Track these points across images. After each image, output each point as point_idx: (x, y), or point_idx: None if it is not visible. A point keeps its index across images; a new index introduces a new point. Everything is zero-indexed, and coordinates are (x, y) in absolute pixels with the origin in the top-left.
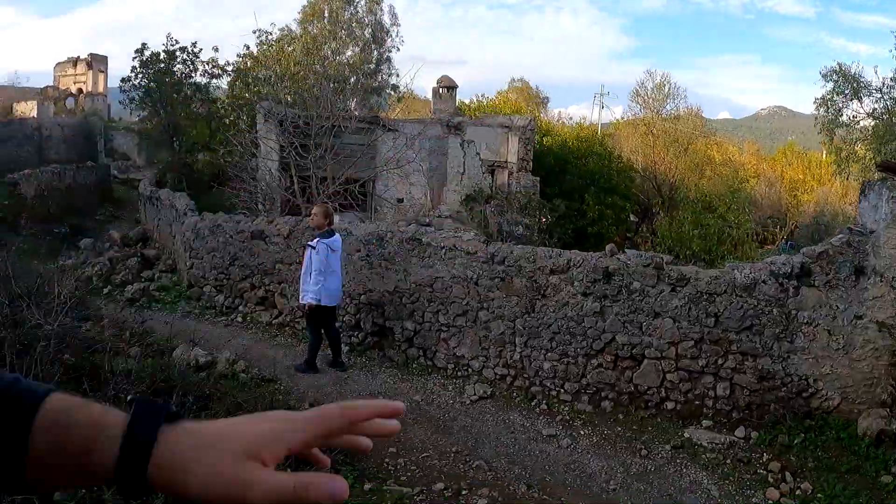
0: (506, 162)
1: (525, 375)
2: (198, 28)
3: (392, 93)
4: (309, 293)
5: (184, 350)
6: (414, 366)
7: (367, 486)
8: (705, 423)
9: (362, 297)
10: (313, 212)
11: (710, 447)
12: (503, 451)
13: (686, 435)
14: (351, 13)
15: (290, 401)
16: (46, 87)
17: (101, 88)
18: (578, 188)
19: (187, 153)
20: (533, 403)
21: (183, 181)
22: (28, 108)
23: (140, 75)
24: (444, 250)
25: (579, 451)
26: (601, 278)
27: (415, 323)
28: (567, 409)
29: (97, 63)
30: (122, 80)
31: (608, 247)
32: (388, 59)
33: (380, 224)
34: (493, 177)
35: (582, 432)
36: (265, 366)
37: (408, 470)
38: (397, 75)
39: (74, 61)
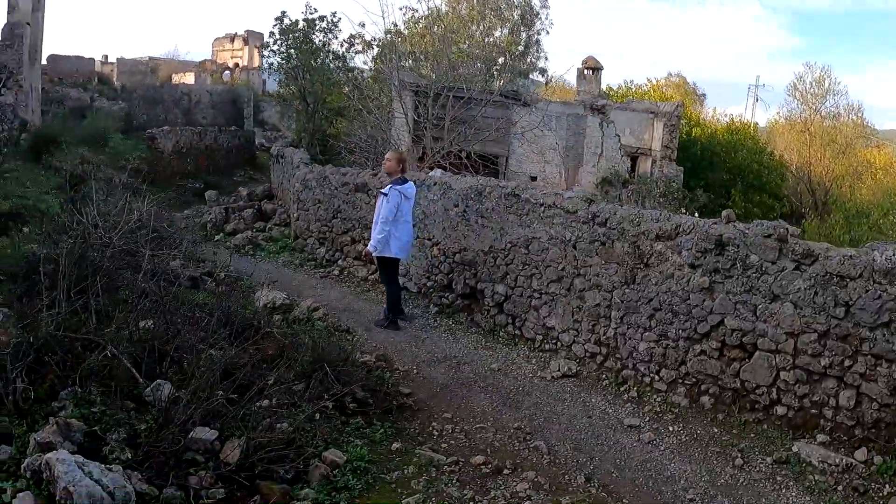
0: (649, 149)
1: (617, 356)
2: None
3: (540, 76)
4: (371, 241)
5: (265, 293)
6: (501, 334)
7: (395, 446)
8: (820, 437)
9: (457, 255)
10: (386, 157)
11: (822, 468)
12: (572, 435)
13: (794, 448)
14: None
15: (354, 352)
16: (204, 60)
17: (256, 63)
18: (724, 183)
19: (323, 119)
20: (622, 389)
21: (316, 146)
22: (186, 80)
23: (279, 42)
24: (542, 207)
25: (661, 448)
26: (713, 248)
27: (506, 287)
28: (659, 399)
29: (253, 39)
30: (262, 45)
31: (725, 212)
32: (537, 42)
33: (480, 178)
34: (634, 163)
35: (670, 428)
36: (347, 317)
37: (453, 438)
38: (546, 58)
39: (232, 37)
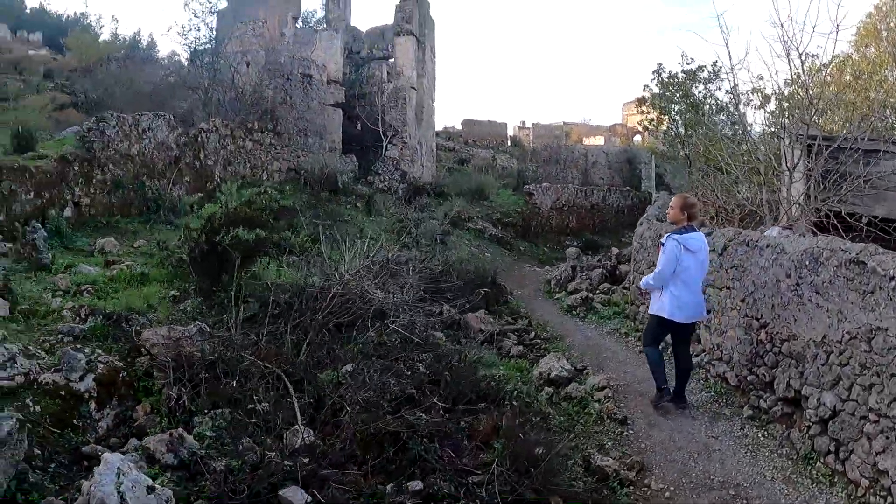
0: None
1: None
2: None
3: None
4: (644, 277)
5: (548, 360)
6: (818, 464)
7: None
8: None
9: (784, 344)
10: (670, 203)
11: None
12: None
13: None
14: None
15: (595, 452)
16: (614, 125)
17: (663, 126)
18: None
19: (703, 177)
20: None
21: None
22: (595, 143)
23: (658, 97)
24: (893, 282)
25: None
26: None
27: (836, 397)
28: None
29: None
30: (637, 100)
31: None
32: None
33: (818, 240)
34: None
35: None
36: (636, 404)
37: None
38: None
39: (640, 101)
